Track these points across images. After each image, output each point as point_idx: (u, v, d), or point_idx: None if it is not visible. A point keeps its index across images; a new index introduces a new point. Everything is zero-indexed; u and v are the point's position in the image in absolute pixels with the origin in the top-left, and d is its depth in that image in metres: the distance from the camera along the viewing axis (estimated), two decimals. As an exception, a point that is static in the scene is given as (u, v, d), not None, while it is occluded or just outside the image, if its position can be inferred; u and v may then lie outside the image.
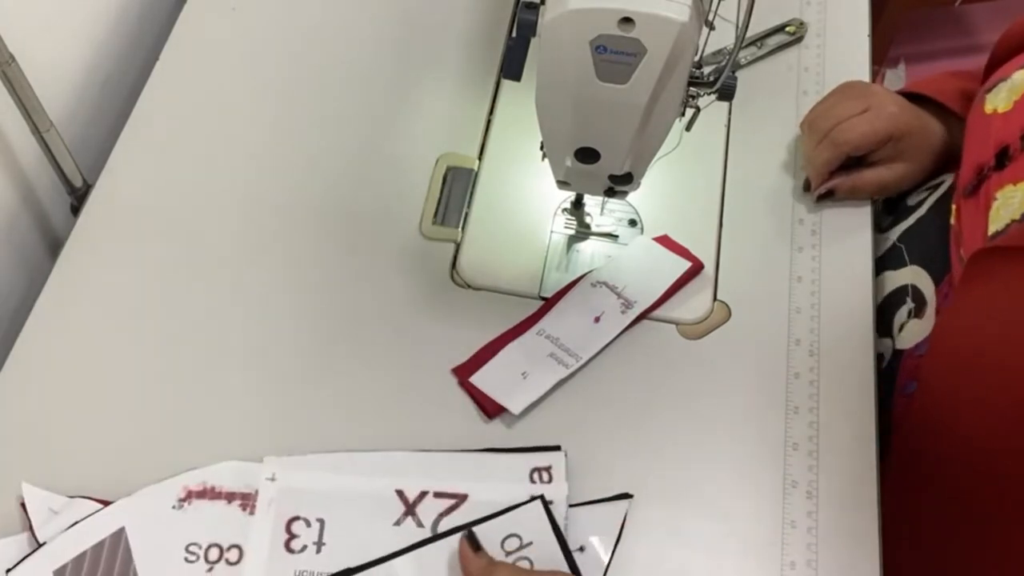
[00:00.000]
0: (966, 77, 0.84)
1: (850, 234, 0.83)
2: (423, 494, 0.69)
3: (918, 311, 0.75)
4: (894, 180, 0.83)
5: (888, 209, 0.87)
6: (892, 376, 0.76)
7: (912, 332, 0.75)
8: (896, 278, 0.80)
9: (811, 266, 0.81)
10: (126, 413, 0.72)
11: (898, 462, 0.73)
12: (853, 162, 0.82)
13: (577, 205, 0.82)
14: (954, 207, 0.75)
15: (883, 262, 0.82)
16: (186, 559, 0.66)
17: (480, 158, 0.86)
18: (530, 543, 0.66)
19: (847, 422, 0.73)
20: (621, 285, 0.79)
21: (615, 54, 0.58)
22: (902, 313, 0.77)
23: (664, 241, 0.81)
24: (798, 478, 0.71)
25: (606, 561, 0.67)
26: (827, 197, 0.83)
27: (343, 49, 0.92)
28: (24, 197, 0.86)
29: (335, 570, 0.66)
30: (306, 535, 0.67)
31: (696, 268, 0.80)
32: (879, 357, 0.77)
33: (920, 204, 0.82)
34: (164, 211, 0.82)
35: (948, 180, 0.81)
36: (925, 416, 0.71)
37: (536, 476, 0.70)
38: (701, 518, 0.70)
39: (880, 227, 0.86)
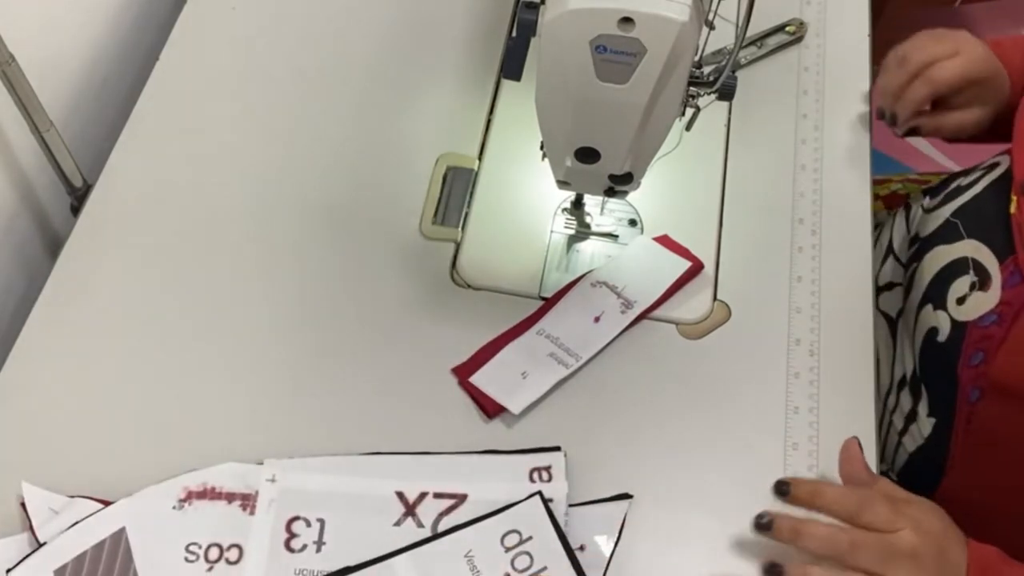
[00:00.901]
0: None
1: (850, 234, 0.83)
2: (423, 495, 0.69)
3: (982, 284, 0.75)
4: (972, 123, 0.84)
5: (932, 193, 0.88)
6: (953, 348, 0.76)
7: (977, 303, 0.74)
8: (952, 251, 0.79)
9: (811, 266, 0.81)
10: (126, 413, 0.72)
11: (968, 434, 0.73)
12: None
13: (577, 205, 0.82)
14: (1015, 198, 0.75)
15: (935, 238, 0.82)
16: (186, 559, 0.66)
17: (480, 158, 0.86)
18: (530, 538, 0.66)
19: (847, 422, 0.73)
20: (621, 285, 0.79)
21: (615, 54, 0.58)
22: (960, 285, 0.77)
23: (664, 241, 0.81)
24: (798, 478, 0.71)
25: (606, 561, 0.67)
26: (911, 134, 0.85)
27: (343, 49, 0.92)
28: (24, 197, 0.86)
29: (335, 569, 0.66)
30: (306, 535, 0.67)
31: (696, 268, 0.80)
32: (934, 330, 0.77)
33: (975, 183, 0.82)
34: (164, 211, 0.82)
35: (1004, 163, 0.80)
36: (1004, 393, 0.71)
37: (536, 475, 0.70)
38: (701, 518, 0.70)
39: (924, 209, 0.87)
